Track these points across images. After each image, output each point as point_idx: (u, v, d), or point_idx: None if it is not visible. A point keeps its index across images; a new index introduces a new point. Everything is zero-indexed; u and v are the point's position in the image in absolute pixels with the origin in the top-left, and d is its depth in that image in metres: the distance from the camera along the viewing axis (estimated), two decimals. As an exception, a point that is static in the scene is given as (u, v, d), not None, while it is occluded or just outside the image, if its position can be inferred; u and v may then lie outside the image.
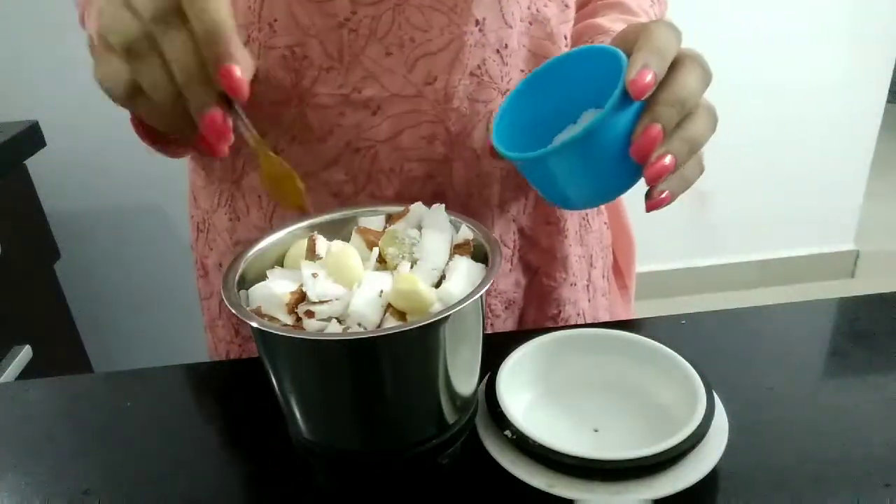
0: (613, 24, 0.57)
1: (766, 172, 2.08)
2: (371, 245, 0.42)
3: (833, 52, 1.94)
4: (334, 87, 0.50)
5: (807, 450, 0.44)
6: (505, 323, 0.62)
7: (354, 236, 0.43)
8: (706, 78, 0.42)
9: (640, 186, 0.43)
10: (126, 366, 0.58)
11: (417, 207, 0.44)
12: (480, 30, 0.50)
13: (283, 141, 0.53)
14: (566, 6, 0.56)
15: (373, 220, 0.45)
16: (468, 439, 0.42)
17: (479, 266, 0.40)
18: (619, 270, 0.74)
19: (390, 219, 0.45)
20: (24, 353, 1.13)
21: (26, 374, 1.12)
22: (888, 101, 2.04)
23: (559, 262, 0.62)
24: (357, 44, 0.49)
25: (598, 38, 0.56)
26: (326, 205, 0.53)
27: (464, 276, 0.39)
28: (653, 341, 0.48)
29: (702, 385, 0.44)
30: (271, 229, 0.45)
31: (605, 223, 0.69)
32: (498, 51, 0.52)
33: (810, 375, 0.52)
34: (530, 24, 0.53)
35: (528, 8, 0.53)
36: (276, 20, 0.49)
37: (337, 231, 0.45)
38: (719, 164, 2.02)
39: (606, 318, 0.70)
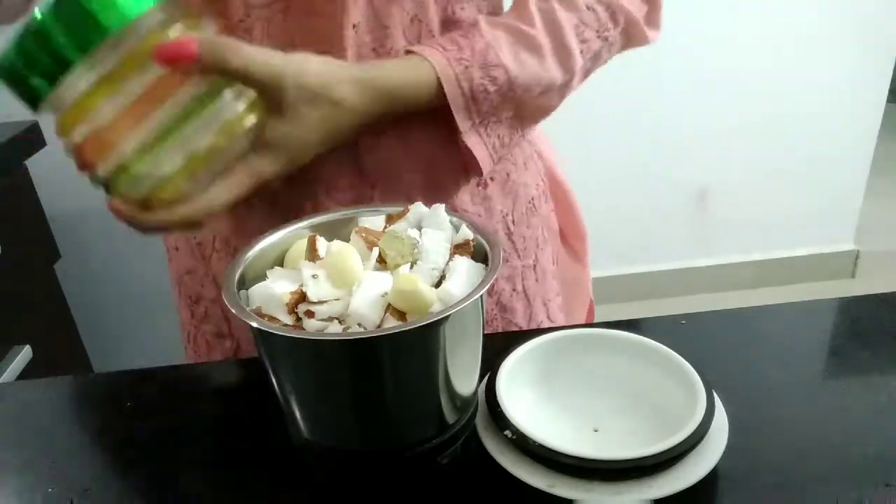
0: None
1: (765, 172, 2.07)
2: (371, 245, 0.42)
3: (833, 52, 1.94)
4: None
5: (807, 450, 0.44)
6: None
7: (354, 236, 0.43)
8: None
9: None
10: (126, 366, 0.58)
11: (417, 207, 0.44)
12: (356, 32, 0.52)
13: None
14: (479, 11, 0.58)
15: (373, 220, 0.45)
16: (468, 439, 0.42)
17: (479, 266, 0.40)
18: (576, 255, 0.76)
19: (390, 219, 0.45)
20: (24, 353, 1.13)
21: (26, 374, 1.12)
22: (888, 101, 2.04)
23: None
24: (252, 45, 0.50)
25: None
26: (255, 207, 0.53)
27: (464, 276, 0.39)
28: (653, 341, 0.48)
29: (702, 385, 0.44)
30: (270, 230, 0.45)
31: (552, 210, 0.71)
32: (375, 49, 0.53)
33: (810, 375, 0.52)
34: (444, 24, 0.55)
35: (445, 10, 0.55)
36: None
37: (337, 231, 0.45)
38: (719, 164, 2.04)
39: (559, 301, 0.72)
